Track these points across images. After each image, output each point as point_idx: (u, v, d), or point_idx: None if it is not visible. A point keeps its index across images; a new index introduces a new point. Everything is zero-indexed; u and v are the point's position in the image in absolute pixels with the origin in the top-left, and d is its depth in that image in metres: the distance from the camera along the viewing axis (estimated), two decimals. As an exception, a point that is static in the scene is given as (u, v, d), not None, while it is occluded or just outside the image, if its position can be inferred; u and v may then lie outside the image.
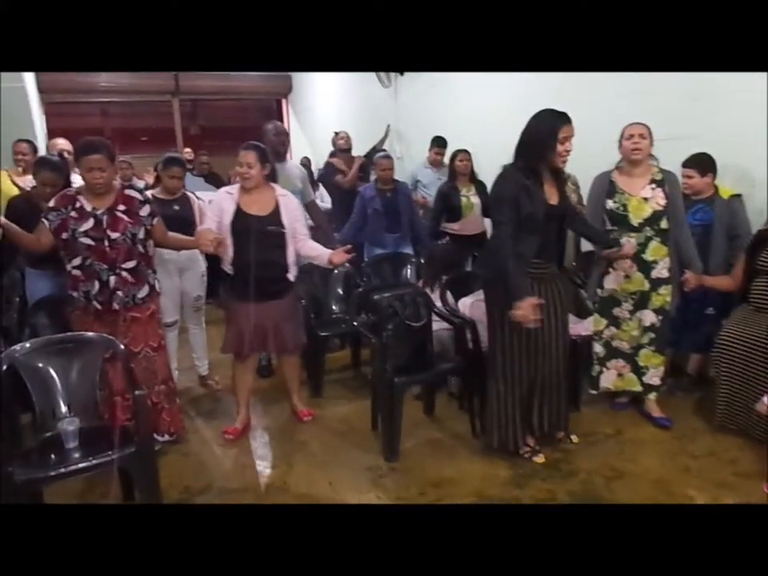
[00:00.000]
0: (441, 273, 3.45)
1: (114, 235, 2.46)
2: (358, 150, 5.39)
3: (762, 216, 2.88)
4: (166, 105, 8.45)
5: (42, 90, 6.93)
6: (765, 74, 2.79)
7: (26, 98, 5.16)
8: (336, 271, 3.72)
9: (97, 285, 2.46)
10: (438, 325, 3.07)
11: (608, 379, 2.95)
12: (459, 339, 2.95)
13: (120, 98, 8.37)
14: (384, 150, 5.12)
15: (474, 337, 2.89)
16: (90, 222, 2.44)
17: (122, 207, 2.50)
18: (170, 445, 2.79)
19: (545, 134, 2.29)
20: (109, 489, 2.23)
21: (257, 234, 2.69)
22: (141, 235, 2.54)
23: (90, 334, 2.36)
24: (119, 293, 2.49)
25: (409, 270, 3.86)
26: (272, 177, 2.90)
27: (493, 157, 2.64)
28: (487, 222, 4.03)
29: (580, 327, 3.05)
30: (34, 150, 3.85)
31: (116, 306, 2.48)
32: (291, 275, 2.84)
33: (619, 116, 2.84)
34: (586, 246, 3.43)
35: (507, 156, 2.40)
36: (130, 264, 2.52)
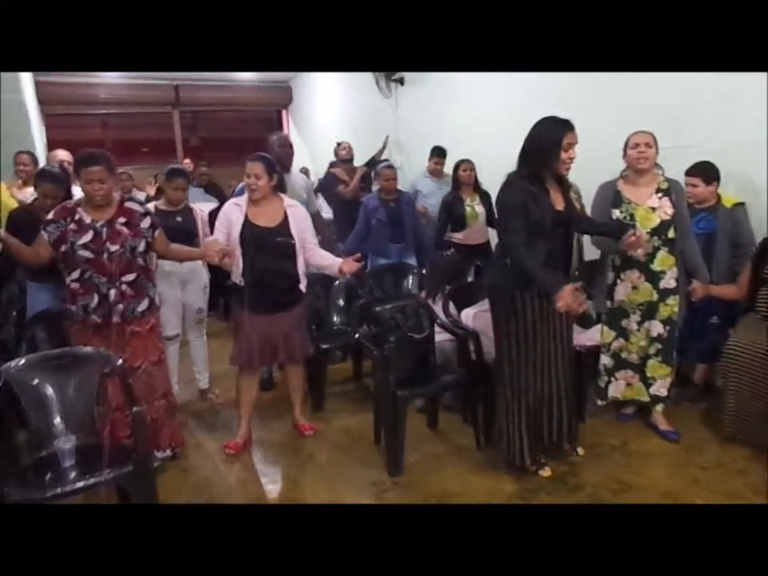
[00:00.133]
0: (443, 283, 3.41)
1: (114, 248, 2.43)
2: (358, 160, 5.38)
3: (765, 224, 2.86)
4: (167, 116, 8.48)
5: (42, 101, 6.94)
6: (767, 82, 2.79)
7: (25, 110, 5.15)
8: (337, 282, 3.69)
9: (96, 298, 2.43)
10: (440, 336, 3.03)
11: (617, 389, 2.92)
12: (462, 350, 2.92)
13: (120, 110, 8.39)
14: (386, 160, 5.11)
15: (478, 348, 2.86)
16: (89, 235, 2.41)
17: (122, 219, 2.47)
18: (169, 461, 2.74)
19: (548, 141, 2.27)
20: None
21: (266, 245, 2.67)
22: (141, 248, 2.51)
23: (87, 349, 2.31)
24: (119, 306, 2.45)
25: (411, 281, 3.83)
26: (281, 187, 2.88)
27: (493, 166, 2.62)
28: (492, 232, 4.02)
29: (584, 337, 3.01)
30: (35, 161, 3.85)
31: (115, 320, 2.45)
32: (302, 285, 2.82)
33: (622, 124, 2.82)
34: (589, 255, 3.41)
35: (507, 165, 2.38)
36: (130, 277, 2.49)
